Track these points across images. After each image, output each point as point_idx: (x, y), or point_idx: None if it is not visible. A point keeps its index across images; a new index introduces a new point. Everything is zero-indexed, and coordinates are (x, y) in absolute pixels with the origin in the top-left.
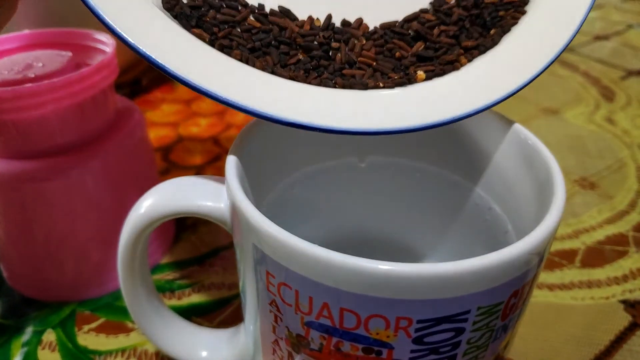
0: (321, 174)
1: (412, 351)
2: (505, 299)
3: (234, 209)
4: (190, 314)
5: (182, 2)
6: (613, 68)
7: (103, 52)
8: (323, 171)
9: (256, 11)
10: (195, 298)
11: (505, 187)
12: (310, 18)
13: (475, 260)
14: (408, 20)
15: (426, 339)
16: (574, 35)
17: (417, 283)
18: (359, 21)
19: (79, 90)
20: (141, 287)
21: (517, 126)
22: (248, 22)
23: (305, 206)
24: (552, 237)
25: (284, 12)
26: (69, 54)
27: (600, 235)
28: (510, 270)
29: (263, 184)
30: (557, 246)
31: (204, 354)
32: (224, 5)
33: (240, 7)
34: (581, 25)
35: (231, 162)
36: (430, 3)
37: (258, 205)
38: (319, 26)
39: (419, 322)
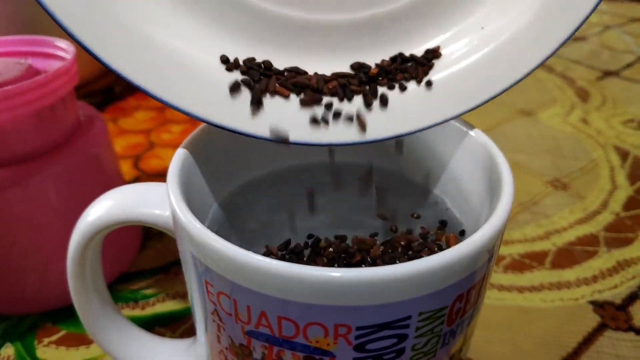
0: (277, 177)
1: (355, 359)
2: (449, 303)
3: (173, 216)
4: (154, 324)
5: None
6: (590, 69)
7: (63, 59)
8: (279, 173)
9: None
10: (160, 307)
11: (459, 190)
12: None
13: (412, 264)
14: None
15: (368, 346)
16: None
17: (352, 289)
18: None
19: (36, 98)
20: (94, 297)
21: (473, 129)
22: None
23: (260, 210)
24: (498, 239)
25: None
26: (28, 61)
27: (571, 236)
28: (451, 274)
29: (215, 187)
30: (527, 248)
31: None
32: None
33: None
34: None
35: (173, 168)
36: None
37: (207, 210)
38: None
39: (358, 329)
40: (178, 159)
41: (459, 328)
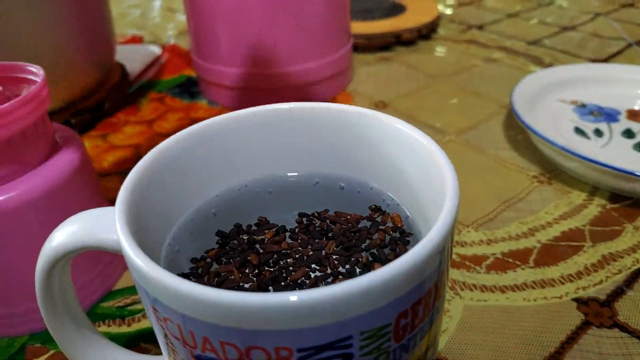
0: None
1: None
2: (392, 321)
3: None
4: (139, 340)
5: None
6: (578, 58)
7: (35, 83)
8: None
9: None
10: (146, 323)
11: (412, 195)
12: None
13: (346, 284)
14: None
15: None
16: None
17: (285, 313)
18: None
19: (5, 125)
20: (67, 320)
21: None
22: None
23: (219, 227)
24: (441, 256)
25: None
26: None
27: (556, 231)
28: (388, 292)
29: (173, 208)
30: (511, 247)
31: None
32: None
33: None
34: None
35: (123, 191)
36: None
37: (165, 233)
38: None
39: (299, 350)
40: (130, 179)
41: (411, 342)
